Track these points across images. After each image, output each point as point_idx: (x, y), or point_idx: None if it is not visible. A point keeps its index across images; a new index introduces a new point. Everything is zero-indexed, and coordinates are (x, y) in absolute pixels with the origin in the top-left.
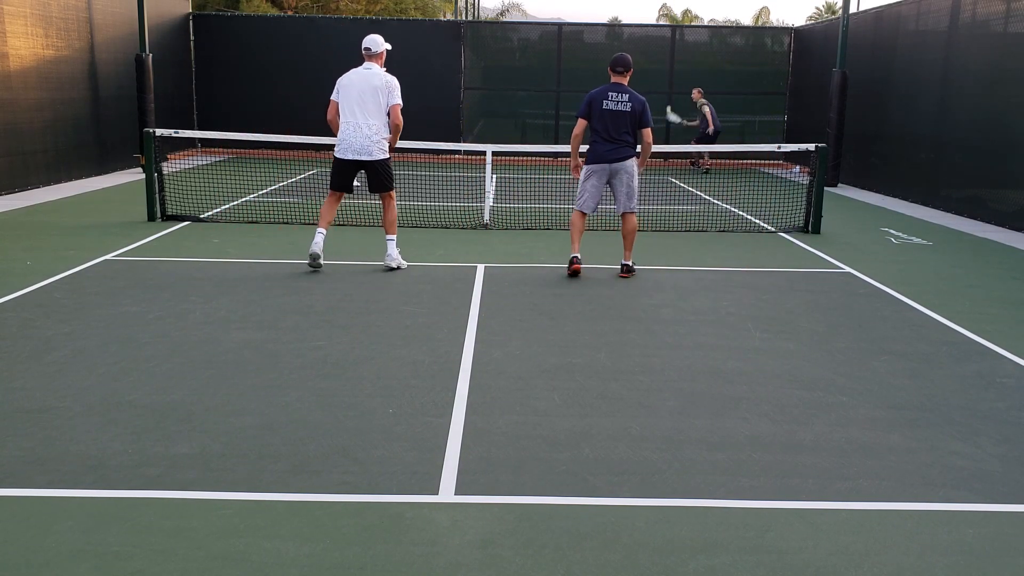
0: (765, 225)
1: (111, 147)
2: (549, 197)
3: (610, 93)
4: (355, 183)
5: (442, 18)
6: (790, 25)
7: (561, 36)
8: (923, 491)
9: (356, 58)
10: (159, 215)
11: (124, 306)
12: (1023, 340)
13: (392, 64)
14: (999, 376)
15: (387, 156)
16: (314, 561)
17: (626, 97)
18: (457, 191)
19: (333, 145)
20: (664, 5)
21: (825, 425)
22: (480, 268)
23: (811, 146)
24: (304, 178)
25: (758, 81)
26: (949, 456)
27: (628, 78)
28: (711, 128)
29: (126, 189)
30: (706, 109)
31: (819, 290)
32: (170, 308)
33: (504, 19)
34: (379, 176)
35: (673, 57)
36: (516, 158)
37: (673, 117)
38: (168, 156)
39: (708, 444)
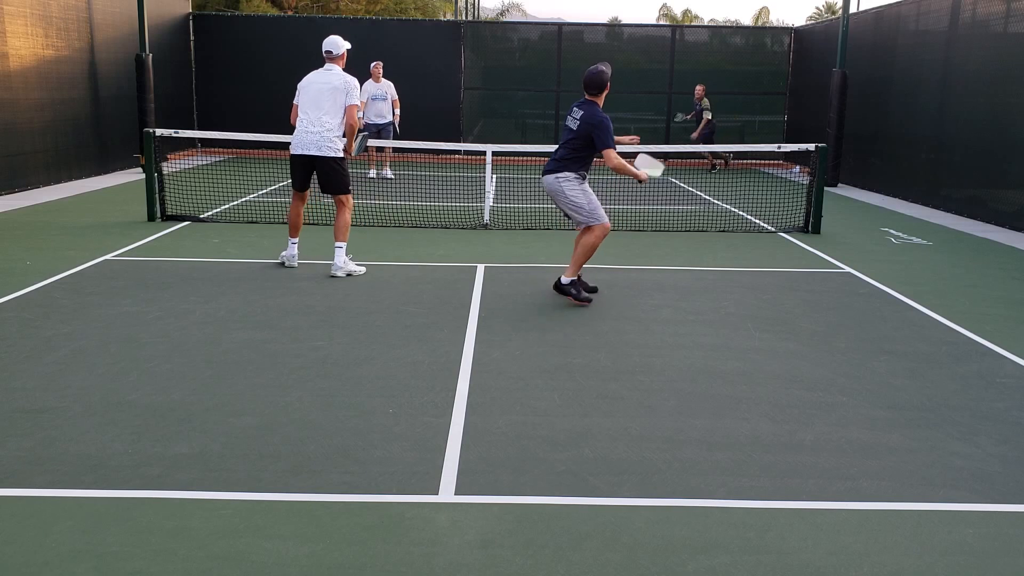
0: (765, 225)
1: (111, 147)
2: (549, 197)
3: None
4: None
5: (442, 18)
6: (790, 25)
7: (561, 36)
8: (923, 491)
9: (356, 58)
10: (159, 215)
11: (124, 306)
12: (1023, 340)
13: (392, 64)
14: (999, 376)
15: (339, 155)
16: (314, 561)
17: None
18: (457, 191)
19: None
20: (664, 5)
21: (825, 425)
22: (480, 268)
23: (811, 146)
24: None
25: (758, 81)
26: (949, 456)
27: (602, 100)
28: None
29: (126, 189)
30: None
31: (819, 290)
32: (170, 308)
33: (504, 19)
34: (329, 176)
35: (673, 57)
36: (516, 158)
37: (678, 117)
38: (168, 156)
39: (708, 444)
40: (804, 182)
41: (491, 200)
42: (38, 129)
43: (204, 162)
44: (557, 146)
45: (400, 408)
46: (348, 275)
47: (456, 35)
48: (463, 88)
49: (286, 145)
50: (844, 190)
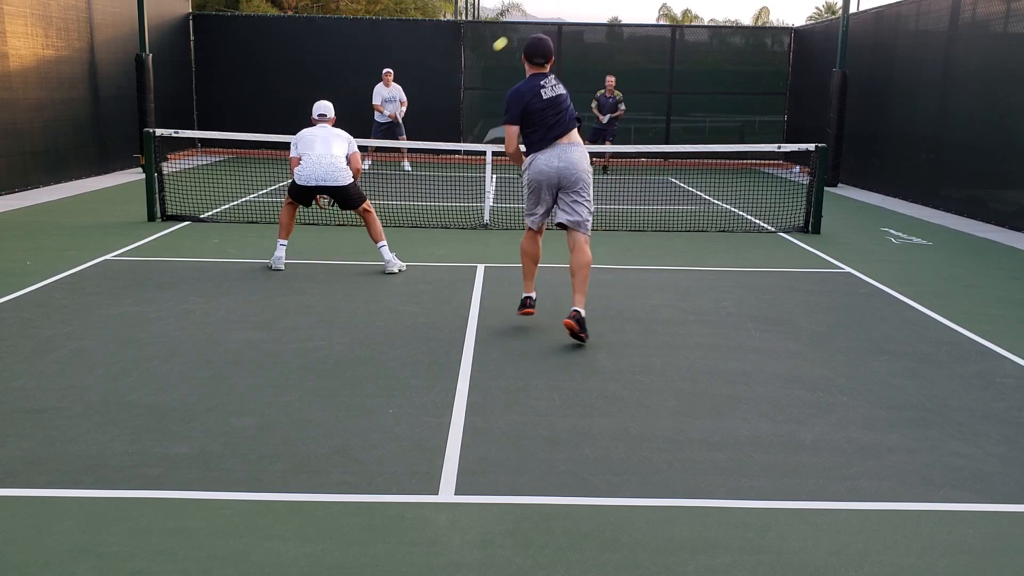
0: (765, 225)
1: (111, 147)
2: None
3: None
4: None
5: (442, 18)
6: (790, 25)
7: (561, 36)
8: (923, 491)
9: (356, 58)
10: (159, 215)
11: (124, 306)
12: (1023, 340)
13: (392, 64)
14: (999, 376)
15: (352, 181)
16: (314, 561)
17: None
18: (457, 191)
19: None
20: (664, 5)
21: (825, 425)
22: (480, 268)
23: (811, 146)
24: None
25: (758, 81)
26: (949, 456)
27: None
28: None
29: (126, 189)
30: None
31: (819, 290)
32: (170, 308)
33: (504, 19)
34: (348, 197)
35: (673, 57)
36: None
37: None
38: (168, 156)
39: (708, 444)
40: (804, 182)
41: (491, 200)
42: (38, 129)
43: (204, 162)
44: (554, 117)
45: (400, 408)
46: (400, 270)
47: (456, 35)
48: (463, 88)
49: (286, 145)
50: (844, 190)
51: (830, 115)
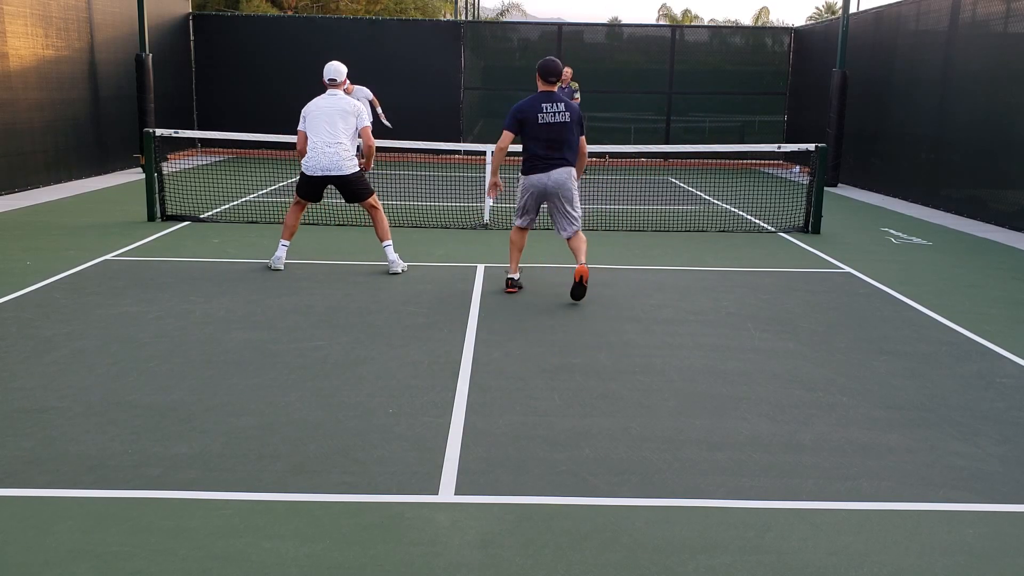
0: (765, 225)
1: (111, 147)
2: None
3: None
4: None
5: (442, 18)
6: (790, 25)
7: (561, 36)
8: (923, 491)
9: (355, 58)
10: (159, 215)
11: (124, 306)
12: (1023, 340)
13: (393, 64)
14: (999, 376)
15: (358, 169)
16: (314, 561)
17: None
18: (457, 191)
19: None
20: (664, 5)
21: (825, 425)
22: (480, 268)
23: (811, 146)
24: None
25: (758, 81)
26: (949, 456)
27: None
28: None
29: (126, 189)
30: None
31: (819, 290)
32: (170, 308)
33: (504, 19)
34: (353, 187)
35: (673, 57)
36: (516, 158)
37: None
38: (168, 156)
39: (708, 444)
40: (804, 182)
41: (491, 200)
42: (38, 129)
43: (204, 162)
44: (549, 142)
45: (400, 408)
46: (403, 270)
47: (456, 35)
48: (463, 88)
49: (285, 145)
50: (844, 190)
51: (830, 115)
